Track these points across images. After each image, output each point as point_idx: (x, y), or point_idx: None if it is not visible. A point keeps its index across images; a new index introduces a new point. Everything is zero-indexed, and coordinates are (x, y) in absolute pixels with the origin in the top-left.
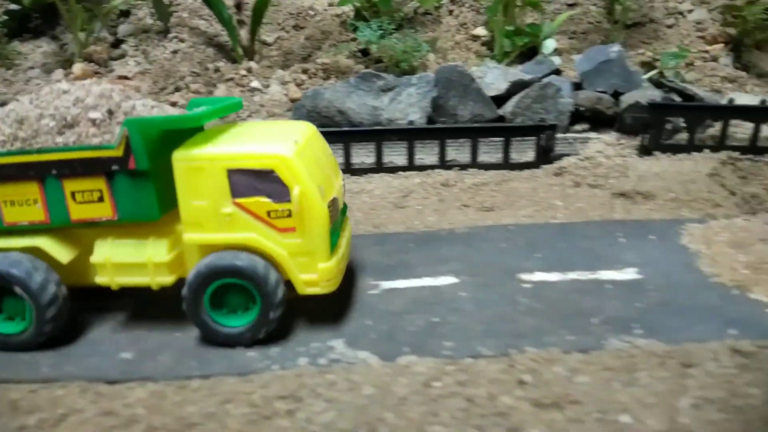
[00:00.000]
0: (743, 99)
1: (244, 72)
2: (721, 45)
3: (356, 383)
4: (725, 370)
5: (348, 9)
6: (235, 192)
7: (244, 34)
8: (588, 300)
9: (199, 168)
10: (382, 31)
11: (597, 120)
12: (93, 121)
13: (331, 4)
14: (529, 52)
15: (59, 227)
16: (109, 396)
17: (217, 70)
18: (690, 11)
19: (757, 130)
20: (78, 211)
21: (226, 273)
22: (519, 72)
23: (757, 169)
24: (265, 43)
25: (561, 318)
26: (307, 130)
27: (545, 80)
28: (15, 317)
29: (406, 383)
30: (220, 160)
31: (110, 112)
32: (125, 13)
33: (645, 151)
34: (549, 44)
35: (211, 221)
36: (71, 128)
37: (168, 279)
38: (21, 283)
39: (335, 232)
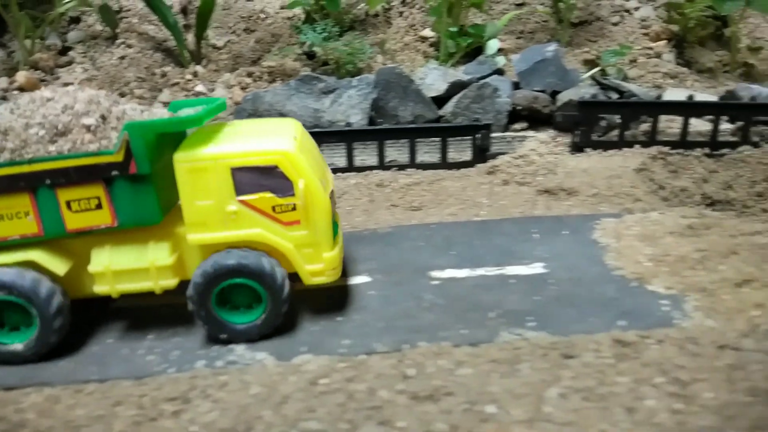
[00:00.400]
0: (675, 95)
1: (189, 76)
2: (664, 42)
3: (246, 383)
4: (602, 360)
5: (299, 11)
6: (239, 189)
7: (191, 38)
8: (490, 295)
9: (203, 168)
10: (326, 34)
11: (534, 119)
12: (87, 128)
13: (282, 7)
14: (475, 53)
15: (53, 239)
16: (2, 402)
17: (163, 75)
18: (636, 9)
19: (685, 125)
20: (74, 221)
21: (234, 272)
22: (459, 73)
23: (686, 163)
24: (214, 47)
25: (460, 313)
26: (296, 126)
27: (484, 81)
28: (18, 329)
29: (294, 381)
30: (223, 159)
31: (103, 118)
32: (75, 20)
33: (576, 148)
34: (492, 45)
35: (216, 220)
36: (64, 136)
37: (172, 282)
38: (27, 294)
39: (335, 223)
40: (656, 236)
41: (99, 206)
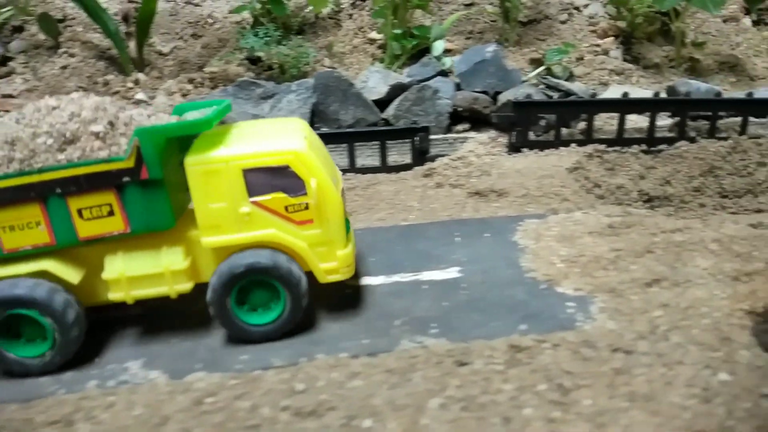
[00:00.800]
0: (615, 92)
1: (131, 84)
2: (611, 39)
3: (132, 404)
4: (492, 367)
5: (248, 16)
6: (252, 191)
7: (133, 45)
8: (400, 301)
9: (215, 171)
10: (268, 38)
11: (476, 120)
12: (96, 135)
13: (231, 12)
14: (422, 54)
15: (65, 248)
16: None
17: (105, 83)
18: (585, 6)
19: (621, 122)
20: (86, 229)
21: (251, 272)
22: (401, 75)
23: (623, 160)
24: (160, 54)
25: (366, 322)
26: (303, 126)
27: (425, 83)
28: (34, 341)
29: (180, 401)
30: (235, 161)
31: (111, 124)
32: (18, 29)
33: (513, 148)
34: (438, 46)
35: (229, 222)
36: (72, 144)
37: (187, 285)
38: (44, 306)
39: (346, 220)
40: (575, 236)
41: (111, 213)
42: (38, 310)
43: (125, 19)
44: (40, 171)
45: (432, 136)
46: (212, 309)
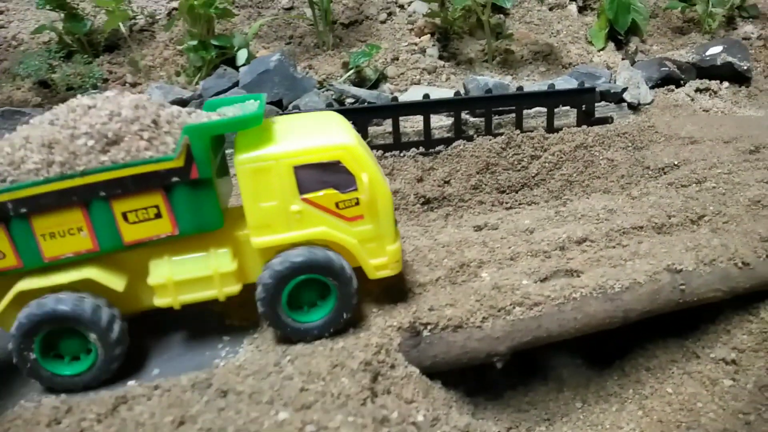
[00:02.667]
0: (415, 94)
1: None
2: (428, 36)
3: None
4: None
5: (55, 36)
6: (303, 188)
7: None
8: None
9: (266, 169)
10: (50, 60)
11: None
12: (140, 135)
13: (32, 33)
14: (229, 63)
15: (108, 254)
16: None
17: None
18: (410, 3)
19: (396, 126)
20: (132, 232)
21: (304, 269)
22: (183, 90)
23: (402, 165)
24: None
25: None
26: (342, 119)
27: (223, 95)
28: (76, 357)
29: None
30: (285, 158)
31: (155, 123)
32: None
33: None
34: (242, 55)
35: (280, 221)
36: (116, 145)
37: (236, 288)
38: (89, 323)
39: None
40: None
41: (158, 215)
42: (84, 326)
43: None
44: (83, 174)
45: None
46: (261, 307)
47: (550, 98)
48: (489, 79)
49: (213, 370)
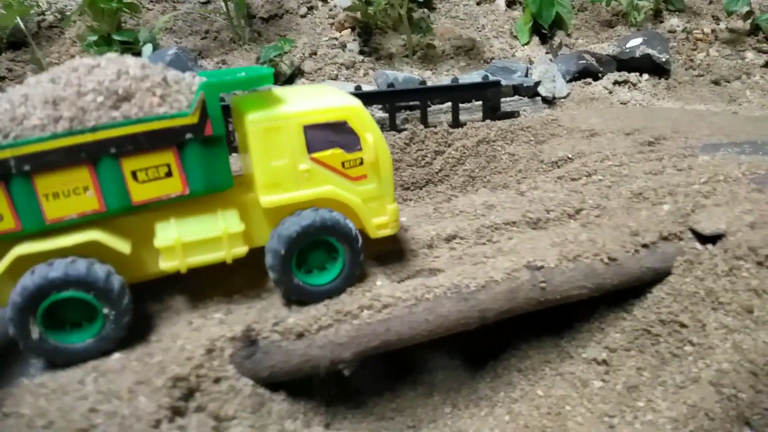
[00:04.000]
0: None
1: None
2: (349, 30)
3: None
4: None
5: None
6: (311, 147)
7: None
8: None
9: (276, 127)
10: None
11: None
12: (153, 91)
13: None
14: None
15: (114, 215)
16: None
17: None
18: None
19: None
20: (141, 192)
21: (313, 231)
22: None
23: None
24: None
25: None
26: (337, 89)
27: None
28: (79, 325)
29: None
30: (296, 117)
31: (165, 80)
32: None
33: None
34: (146, 50)
35: (289, 180)
36: (127, 101)
37: (243, 249)
38: (100, 289)
39: None
40: None
41: (169, 174)
42: (94, 293)
43: None
44: (95, 129)
45: None
46: (273, 274)
47: (453, 92)
48: (399, 74)
49: (12, 389)
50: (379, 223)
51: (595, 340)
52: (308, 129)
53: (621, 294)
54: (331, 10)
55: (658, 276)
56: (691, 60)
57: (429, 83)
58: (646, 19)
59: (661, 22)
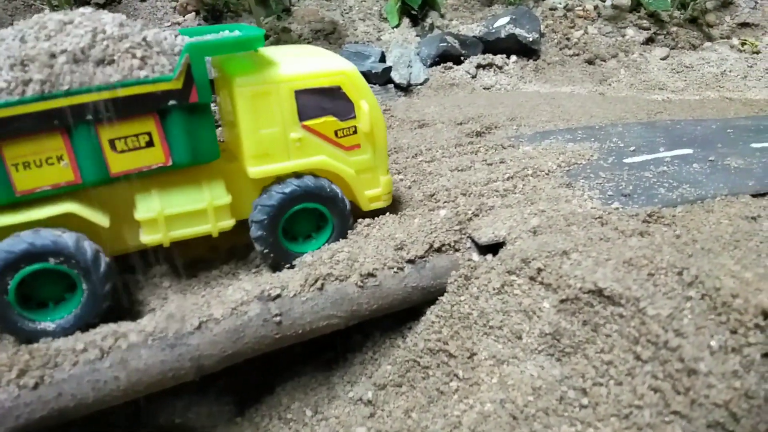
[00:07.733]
0: None
1: None
2: (193, 14)
3: None
4: None
5: None
6: (303, 114)
7: None
8: None
9: (266, 92)
10: None
11: None
12: (132, 53)
13: None
14: None
15: (90, 187)
16: None
17: None
18: None
19: None
20: (120, 163)
21: (298, 198)
22: None
23: None
24: None
25: None
26: (327, 51)
27: None
28: (53, 301)
29: None
30: (287, 82)
31: (145, 41)
32: None
33: None
34: None
35: (280, 150)
36: (104, 63)
37: (230, 222)
38: (72, 257)
39: None
40: None
41: (150, 143)
42: (66, 264)
43: None
44: (68, 94)
45: None
46: (260, 245)
47: None
48: None
49: None
50: (371, 195)
51: (366, 374)
52: (300, 94)
53: (399, 316)
54: None
55: (431, 295)
56: (567, 38)
57: None
58: None
59: None
